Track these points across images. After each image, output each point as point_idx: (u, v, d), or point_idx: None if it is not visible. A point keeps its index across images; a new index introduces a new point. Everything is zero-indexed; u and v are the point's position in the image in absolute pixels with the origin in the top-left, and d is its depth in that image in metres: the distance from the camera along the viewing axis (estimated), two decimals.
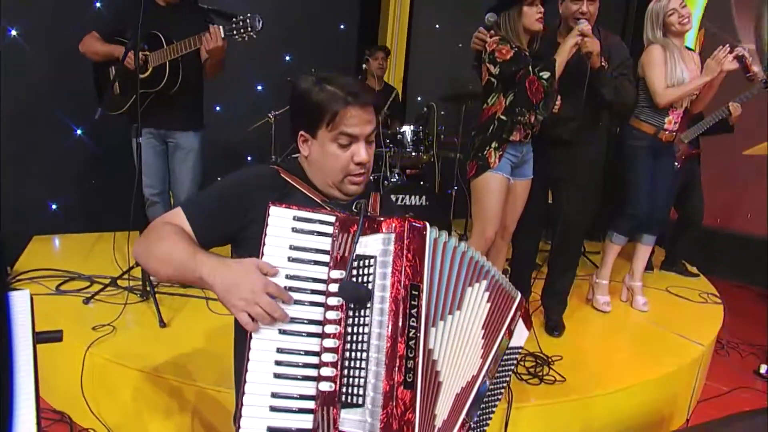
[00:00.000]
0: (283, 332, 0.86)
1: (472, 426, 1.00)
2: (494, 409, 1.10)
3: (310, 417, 0.83)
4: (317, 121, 1.02)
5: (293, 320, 0.86)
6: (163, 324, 1.96)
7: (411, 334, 0.84)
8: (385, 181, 2.77)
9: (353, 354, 0.84)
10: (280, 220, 0.89)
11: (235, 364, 1.05)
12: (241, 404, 0.82)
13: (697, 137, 3.08)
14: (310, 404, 0.84)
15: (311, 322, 0.87)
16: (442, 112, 3.68)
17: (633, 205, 2.49)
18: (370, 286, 0.86)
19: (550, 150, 2.16)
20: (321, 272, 0.89)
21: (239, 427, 0.82)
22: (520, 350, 1.17)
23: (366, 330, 0.84)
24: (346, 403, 0.82)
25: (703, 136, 3.11)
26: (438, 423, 0.91)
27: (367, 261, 0.87)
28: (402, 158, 2.96)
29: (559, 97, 2.03)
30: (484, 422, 1.06)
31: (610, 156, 2.68)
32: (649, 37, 2.42)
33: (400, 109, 3.77)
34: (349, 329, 0.86)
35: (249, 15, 1.92)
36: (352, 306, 0.86)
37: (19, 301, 0.85)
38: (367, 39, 3.95)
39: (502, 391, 1.13)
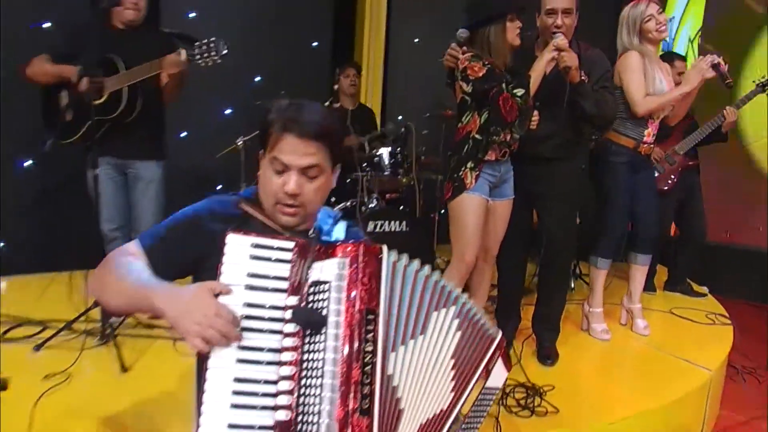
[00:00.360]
0: (240, 361, 0.92)
1: None
2: None
3: None
4: (263, 141, 1.13)
5: (251, 349, 0.92)
6: (124, 369, 1.98)
7: (367, 360, 0.90)
8: (363, 207, 2.88)
9: (309, 381, 0.91)
10: (238, 248, 0.97)
11: (197, 399, 1.08)
12: None
13: (694, 147, 3.26)
14: None
15: (269, 350, 0.93)
16: (425, 131, 3.83)
17: (612, 224, 2.62)
18: (324, 311, 0.93)
19: (531, 168, 2.30)
20: (279, 299, 0.96)
21: None
22: (497, 391, 1.23)
23: (321, 356, 0.91)
24: (302, 431, 0.89)
25: (700, 146, 3.31)
26: None
27: (322, 286, 0.95)
28: (380, 182, 3.08)
29: (536, 113, 2.18)
30: None
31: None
32: (624, 44, 2.56)
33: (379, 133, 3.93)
34: (306, 356, 0.92)
35: (213, 39, 2.01)
36: (308, 332, 0.93)
37: None
38: (342, 56, 4.12)
39: (477, 427, 1.18)
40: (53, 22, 2.94)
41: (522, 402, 2.00)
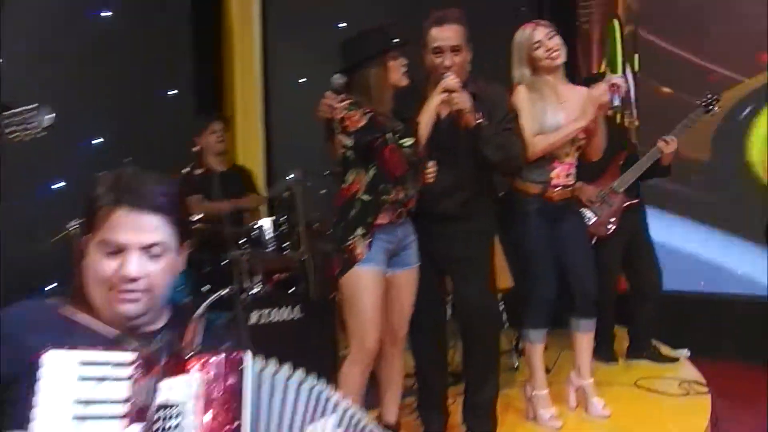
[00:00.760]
0: None
1: None
2: None
3: None
4: (89, 222, 1.20)
5: None
6: None
7: None
8: (243, 294, 3.13)
9: None
10: (60, 368, 1.02)
11: None
12: None
13: (636, 183, 3.83)
14: None
15: None
16: (323, 191, 3.98)
17: (533, 286, 2.99)
18: None
19: (436, 228, 2.66)
20: (117, 430, 1.03)
21: None
22: None
23: None
24: None
25: (643, 180, 3.88)
26: None
27: (171, 410, 1.04)
28: (263, 261, 3.35)
29: (433, 164, 2.52)
30: None
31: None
32: (516, 77, 2.98)
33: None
34: None
35: (32, 108, 2.01)
36: None
37: None
38: (208, 105, 4.46)
39: None
40: None
41: None
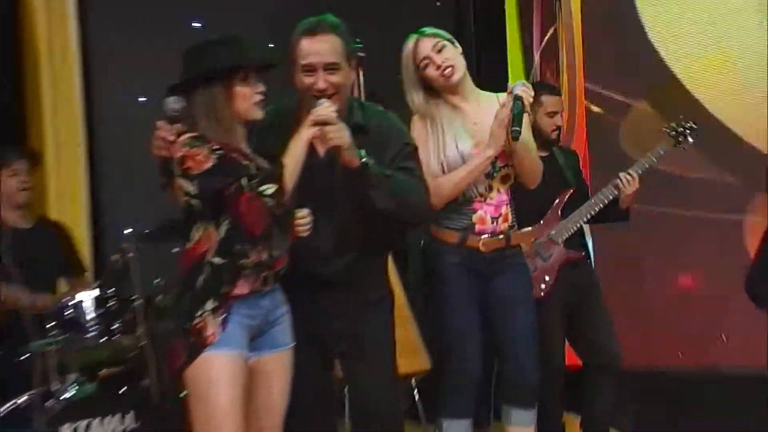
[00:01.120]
0: None
1: None
2: None
3: None
4: None
5: None
6: None
7: None
8: (50, 400, 3.01)
9: None
10: None
11: None
12: None
13: (580, 232, 3.98)
14: None
15: None
16: (176, 249, 3.94)
17: (453, 364, 3.06)
18: None
19: (318, 297, 2.70)
20: None
21: None
22: None
23: None
24: None
25: (595, 223, 4.03)
26: None
27: None
28: (82, 353, 3.23)
29: (307, 215, 2.53)
30: None
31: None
32: (410, 105, 3.14)
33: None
34: None
35: None
36: None
37: None
38: (7, 137, 4.32)
39: None
40: None
41: None
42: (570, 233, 3.90)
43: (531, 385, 3.17)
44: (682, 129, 3.86)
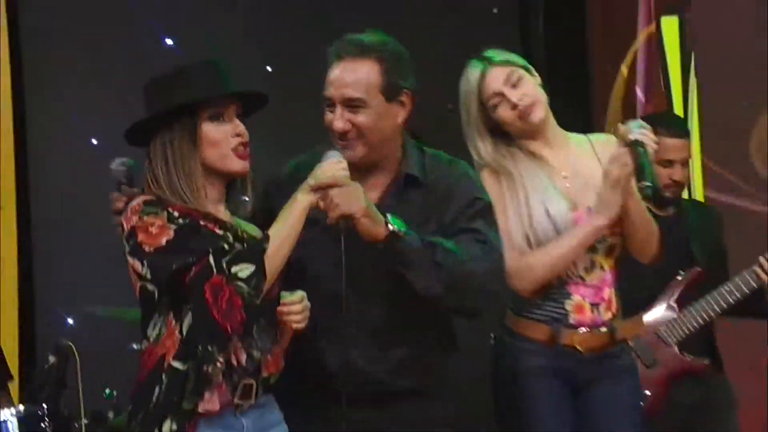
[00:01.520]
0: None
1: None
2: None
3: None
4: None
5: None
6: None
7: None
8: None
9: None
10: None
11: None
12: None
13: (706, 331, 3.27)
14: None
15: None
16: (136, 346, 3.63)
17: None
18: None
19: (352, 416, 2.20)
20: None
21: None
22: None
23: None
24: None
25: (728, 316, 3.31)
26: None
27: None
28: None
29: (300, 300, 2.14)
30: None
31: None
32: (474, 156, 2.64)
33: None
34: None
35: None
36: None
37: None
38: None
39: None
40: None
41: None
42: (689, 332, 3.25)
43: None
44: None
